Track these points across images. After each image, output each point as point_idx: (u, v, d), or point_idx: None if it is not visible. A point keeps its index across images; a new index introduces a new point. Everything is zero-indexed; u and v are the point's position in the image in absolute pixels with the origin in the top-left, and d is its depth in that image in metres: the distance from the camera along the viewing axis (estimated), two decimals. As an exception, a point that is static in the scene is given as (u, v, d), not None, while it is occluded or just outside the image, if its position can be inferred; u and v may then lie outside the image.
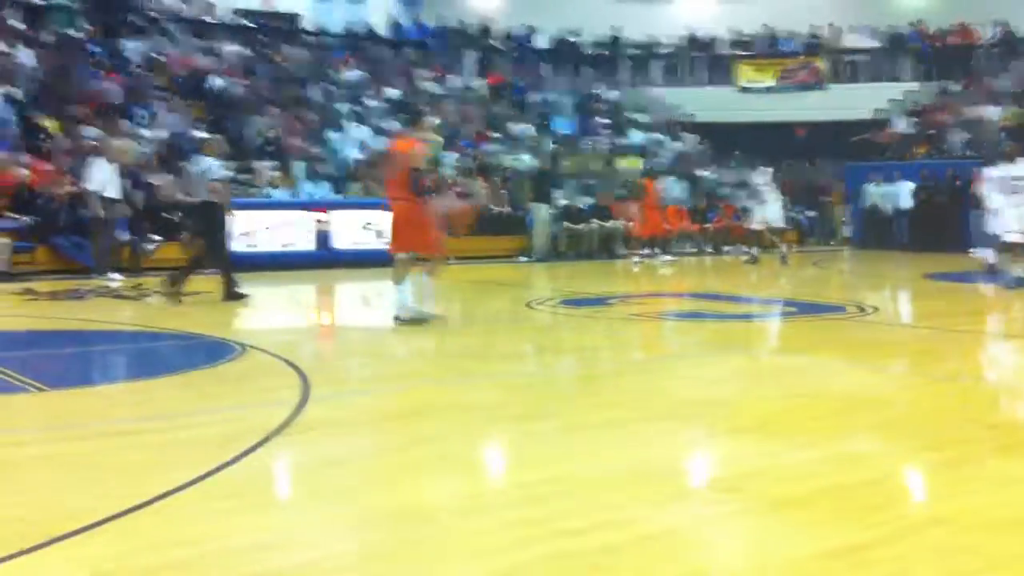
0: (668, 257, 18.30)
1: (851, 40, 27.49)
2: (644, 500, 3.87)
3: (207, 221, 11.08)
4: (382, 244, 12.05)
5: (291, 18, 24.78)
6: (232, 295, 10.92)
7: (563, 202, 19.39)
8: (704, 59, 28.17)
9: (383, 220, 12.16)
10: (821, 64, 27.19)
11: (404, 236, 8.83)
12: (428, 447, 4.80)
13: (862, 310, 11.11)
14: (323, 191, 17.74)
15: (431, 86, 23.50)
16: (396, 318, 9.01)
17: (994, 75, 25.15)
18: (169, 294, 10.70)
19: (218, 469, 4.18)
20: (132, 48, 19.95)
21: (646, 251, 18.30)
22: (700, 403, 5.90)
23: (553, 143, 22.16)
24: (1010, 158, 13.01)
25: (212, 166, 11.21)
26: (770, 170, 17.41)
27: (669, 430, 5.18)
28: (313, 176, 17.96)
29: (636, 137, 23.89)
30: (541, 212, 18.43)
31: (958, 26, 26.60)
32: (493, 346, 8.62)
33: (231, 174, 11.72)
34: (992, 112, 22.77)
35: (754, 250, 17.30)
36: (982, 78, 25.09)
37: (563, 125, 23.57)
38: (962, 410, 5.87)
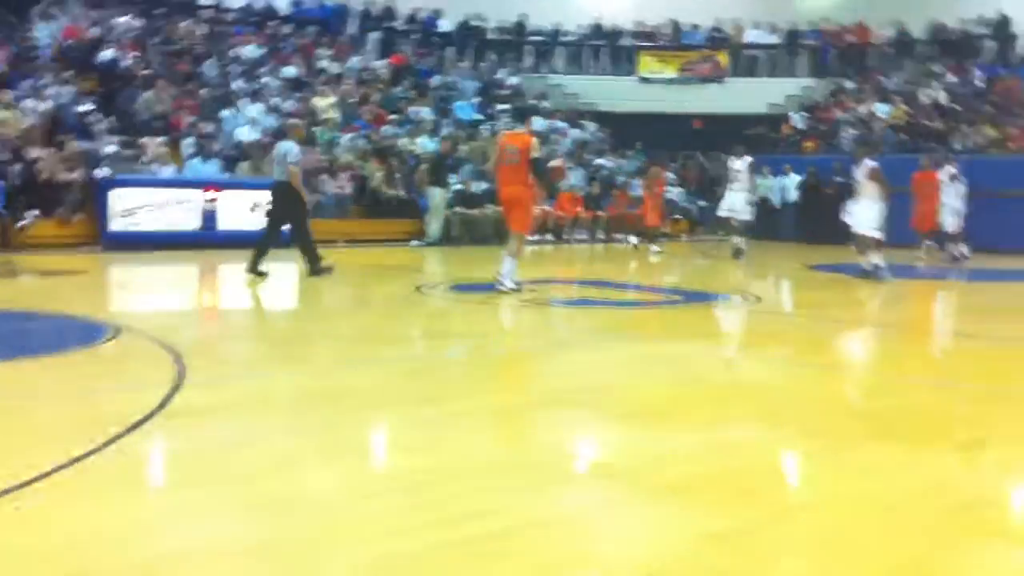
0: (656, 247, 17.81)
1: (753, 35, 27.90)
2: (530, 487, 3.89)
3: (286, 203, 11.58)
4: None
5: (189, -8, 24.09)
6: (317, 270, 11.55)
7: (458, 186, 19.26)
8: (608, 49, 28.27)
9: (265, 199, 12.49)
10: (723, 58, 27.54)
11: (527, 217, 10.85)
12: (311, 433, 4.72)
13: (746, 299, 11.32)
14: (212, 169, 17.27)
15: (330, 65, 23.09)
16: (500, 284, 10.34)
17: (887, 74, 25.80)
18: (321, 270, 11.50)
19: (88, 454, 4.01)
20: (20, 18, 19.15)
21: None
22: (587, 390, 5.94)
23: (453, 127, 22.00)
24: (857, 159, 13.43)
25: (292, 150, 11.61)
26: (749, 158, 16.80)
27: (556, 417, 5.21)
28: (202, 154, 17.47)
29: (537, 124, 23.82)
30: (436, 197, 18.28)
31: (857, 25, 27.21)
32: (381, 330, 8.53)
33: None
34: (881, 109, 23.35)
35: (738, 240, 16.62)
36: (875, 76, 25.71)
37: (464, 110, 23.40)
38: (838, 398, 6.08)
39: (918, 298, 12.97)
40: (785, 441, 4.84)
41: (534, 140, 10.81)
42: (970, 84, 23.72)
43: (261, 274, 11.42)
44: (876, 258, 12.66)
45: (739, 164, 16.57)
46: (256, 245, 11.63)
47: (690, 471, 4.15)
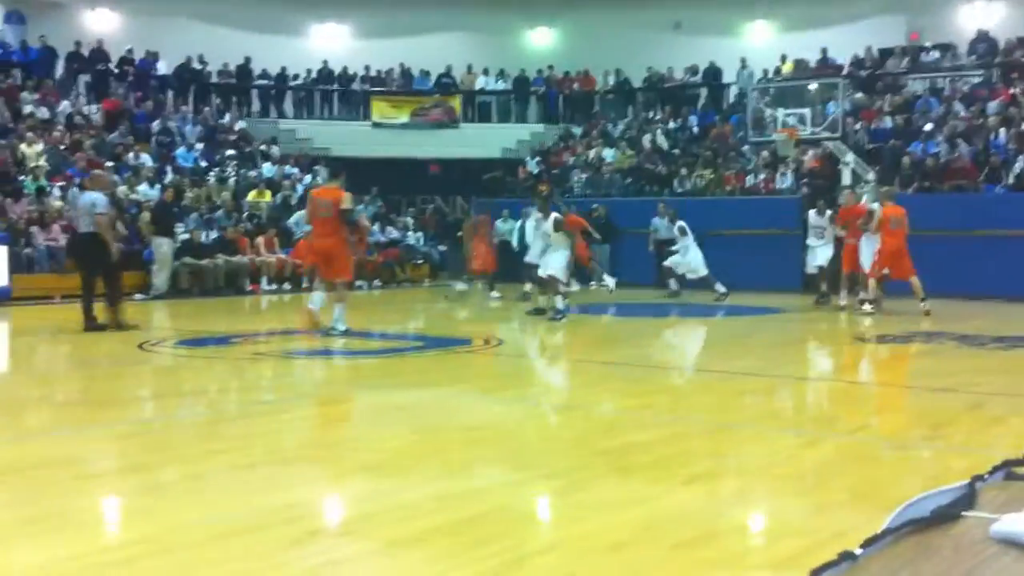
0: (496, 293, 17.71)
1: (483, 82, 28.29)
2: (264, 548, 3.73)
3: (97, 253, 11.53)
4: None
5: None
6: (121, 324, 11.66)
7: (185, 236, 18.18)
8: (339, 94, 27.85)
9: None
10: (455, 103, 27.72)
11: (347, 264, 11.77)
12: (12, 506, 4.29)
13: (488, 342, 11.21)
14: None
15: (37, 110, 21.36)
16: (333, 330, 11.16)
17: (611, 120, 26.76)
18: (125, 325, 11.60)
19: None
20: None
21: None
22: (325, 444, 5.84)
23: (175, 174, 20.83)
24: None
25: (100, 200, 11.64)
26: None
27: (290, 474, 5.03)
28: None
29: (267, 170, 23.02)
30: (162, 247, 17.17)
31: (581, 73, 28.11)
32: (98, 392, 7.90)
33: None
34: (608, 154, 24.12)
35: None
36: (601, 122, 26.60)
37: (187, 156, 22.24)
38: (577, 437, 6.09)
39: (651, 335, 13.35)
40: (524, 484, 4.85)
41: (346, 194, 11.54)
42: (687, 130, 24.94)
43: (102, 327, 11.55)
44: (559, 301, 13.22)
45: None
46: (82, 301, 11.70)
47: (427, 522, 4.07)
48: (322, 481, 4.95)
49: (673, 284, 17.69)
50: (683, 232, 17.35)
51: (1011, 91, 21.01)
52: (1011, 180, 18.05)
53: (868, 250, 14.41)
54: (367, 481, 4.87)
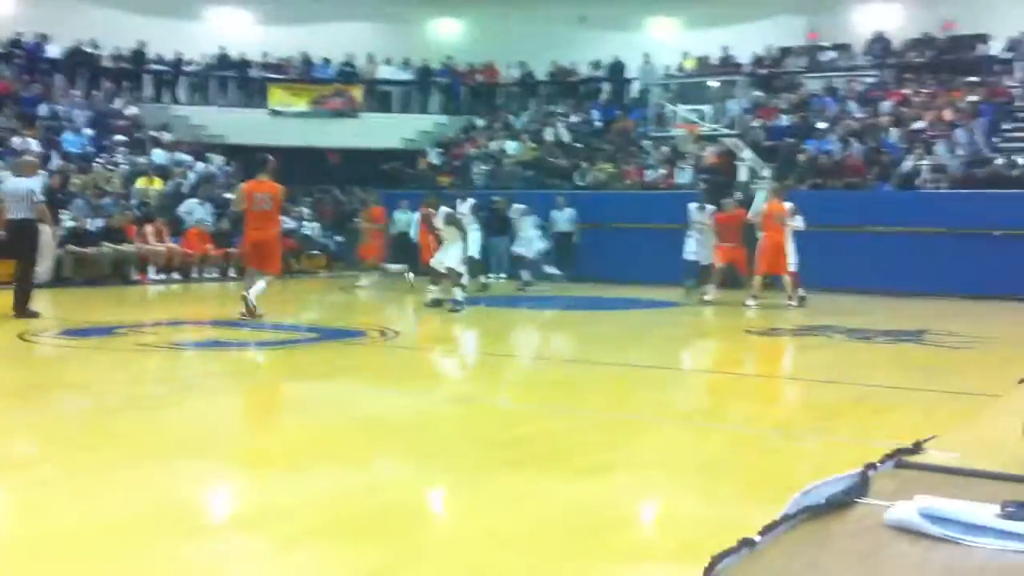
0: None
1: (385, 71, 27.97)
2: (152, 544, 3.61)
3: (30, 240, 11.77)
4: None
5: None
6: (28, 312, 11.50)
7: (70, 223, 17.52)
8: (236, 80, 27.22)
9: None
10: (356, 92, 27.36)
11: (278, 259, 12.27)
12: None
13: (384, 334, 11.07)
14: None
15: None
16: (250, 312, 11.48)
17: (514, 112, 26.73)
18: (29, 314, 11.40)
19: None
20: None
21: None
22: (215, 438, 5.66)
23: (62, 159, 20.07)
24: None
25: (36, 187, 11.92)
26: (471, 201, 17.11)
27: (185, 467, 4.89)
28: None
29: (158, 156, 22.35)
30: (45, 234, 16.45)
31: (485, 65, 28.01)
32: None
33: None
34: (510, 146, 24.07)
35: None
36: (504, 115, 26.54)
37: (74, 142, 21.46)
38: (474, 430, 6.04)
39: (540, 327, 13.37)
40: (423, 477, 4.81)
41: (282, 188, 12.00)
42: (589, 124, 25.05)
43: (35, 314, 11.49)
44: (458, 292, 13.33)
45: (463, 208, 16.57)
46: (17, 289, 11.65)
47: (329, 515, 4.01)
48: (212, 476, 4.81)
49: (525, 275, 17.78)
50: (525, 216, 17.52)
51: (903, 91, 21.62)
52: (900, 178, 18.54)
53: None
54: (259, 476, 4.77)
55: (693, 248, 16.46)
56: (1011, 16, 22.80)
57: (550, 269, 17.62)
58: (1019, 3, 23.21)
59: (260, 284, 11.76)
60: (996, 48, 22.59)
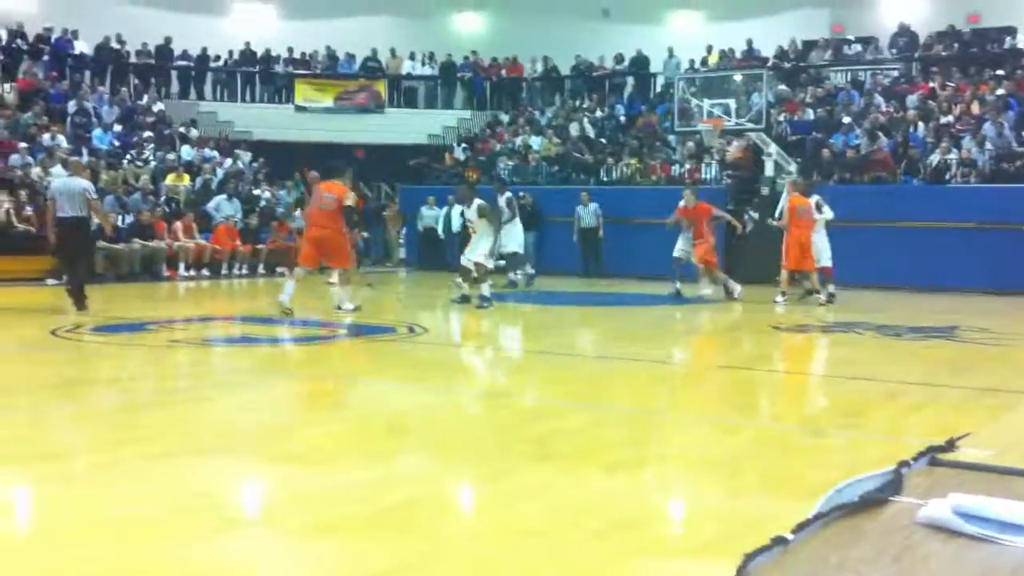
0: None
1: (409, 66, 28.01)
2: (179, 537, 3.65)
3: (85, 237, 12.61)
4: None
5: None
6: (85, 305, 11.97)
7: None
8: (261, 76, 27.35)
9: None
10: (381, 88, 27.42)
11: (346, 252, 12.62)
12: None
13: (412, 331, 11.10)
14: None
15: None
16: (341, 309, 12.24)
17: (538, 108, 26.70)
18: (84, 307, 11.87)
19: None
20: None
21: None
22: (248, 432, 5.67)
23: (91, 156, 20.23)
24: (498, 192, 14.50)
25: (90, 186, 12.51)
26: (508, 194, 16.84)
27: (210, 462, 4.93)
28: None
29: (186, 153, 22.49)
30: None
31: (509, 60, 27.99)
32: (11, 379, 7.64)
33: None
34: (535, 142, 24.05)
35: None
36: (528, 110, 26.52)
37: (103, 138, 21.62)
38: (500, 424, 6.08)
39: (567, 323, 13.35)
40: (448, 472, 4.81)
41: (349, 192, 12.35)
42: (614, 119, 24.99)
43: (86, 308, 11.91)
44: (485, 288, 13.19)
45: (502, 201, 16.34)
46: (74, 284, 12.15)
47: (353, 510, 4.02)
48: (240, 470, 4.82)
49: (528, 269, 17.61)
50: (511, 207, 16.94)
51: (930, 85, 21.43)
52: (928, 173, 18.39)
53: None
54: (286, 470, 4.76)
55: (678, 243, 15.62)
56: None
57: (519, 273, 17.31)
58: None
59: (289, 286, 12.08)
60: (1023, 41, 22.36)
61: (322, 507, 4.06)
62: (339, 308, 12.29)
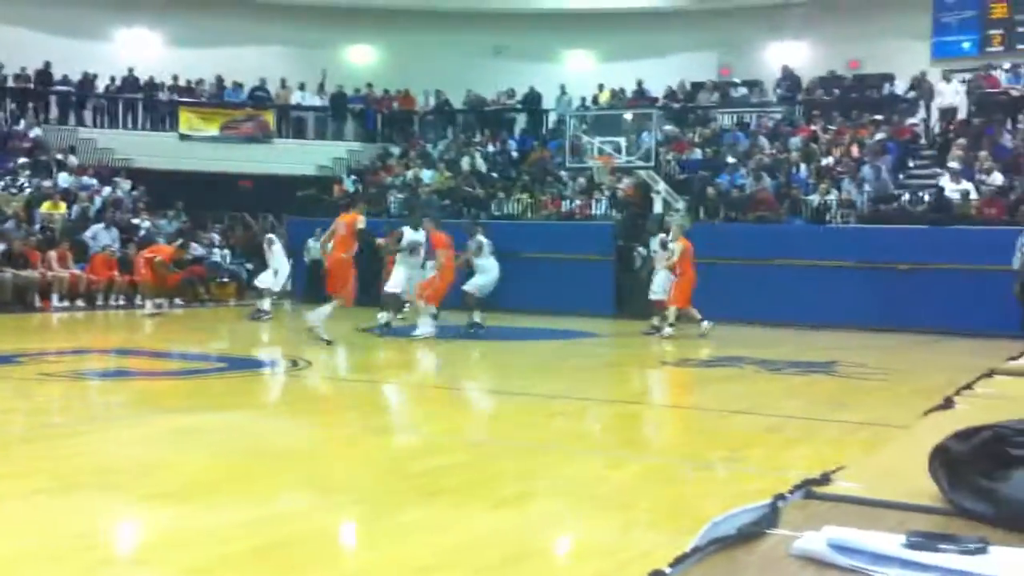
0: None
1: (299, 97, 27.73)
2: None
3: None
4: None
5: None
6: None
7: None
8: (145, 103, 26.71)
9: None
10: (269, 118, 27.06)
11: (338, 281, 12.46)
12: None
13: (296, 364, 10.89)
14: None
15: None
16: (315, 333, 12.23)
17: (431, 141, 26.69)
18: None
19: None
20: None
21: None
22: (120, 470, 5.45)
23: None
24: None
25: None
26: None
27: (84, 501, 4.75)
28: None
29: (63, 180, 21.77)
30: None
31: (402, 92, 27.94)
32: None
33: None
34: (426, 175, 24.01)
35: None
36: (419, 143, 26.48)
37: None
38: (387, 461, 5.99)
39: (457, 357, 13.20)
40: (331, 509, 4.72)
41: (360, 218, 12.79)
42: (506, 154, 25.14)
43: None
44: (477, 316, 14.10)
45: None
46: None
47: (232, 549, 3.89)
48: (117, 508, 4.66)
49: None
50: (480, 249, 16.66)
51: (812, 128, 22.14)
52: (810, 213, 18.93)
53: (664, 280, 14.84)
54: (166, 507, 4.63)
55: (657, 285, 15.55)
56: (913, 56, 23.61)
57: None
58: (921, 44, 24.04)
59: (323, 308, 12.45)
60: (900, 88, 23.32)
61: (199, 546, 3.94)
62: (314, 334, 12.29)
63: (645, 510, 4.76)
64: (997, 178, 18.14)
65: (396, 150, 26.59)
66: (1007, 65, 22.28)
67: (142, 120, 26.77)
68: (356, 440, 6.80)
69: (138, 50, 27.32)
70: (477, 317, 14.18)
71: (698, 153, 22.09)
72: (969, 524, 2.11)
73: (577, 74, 27.46)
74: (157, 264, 17.18)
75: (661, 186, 19.13)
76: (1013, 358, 6.13)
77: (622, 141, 19.36)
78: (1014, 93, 21.54)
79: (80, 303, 17.99)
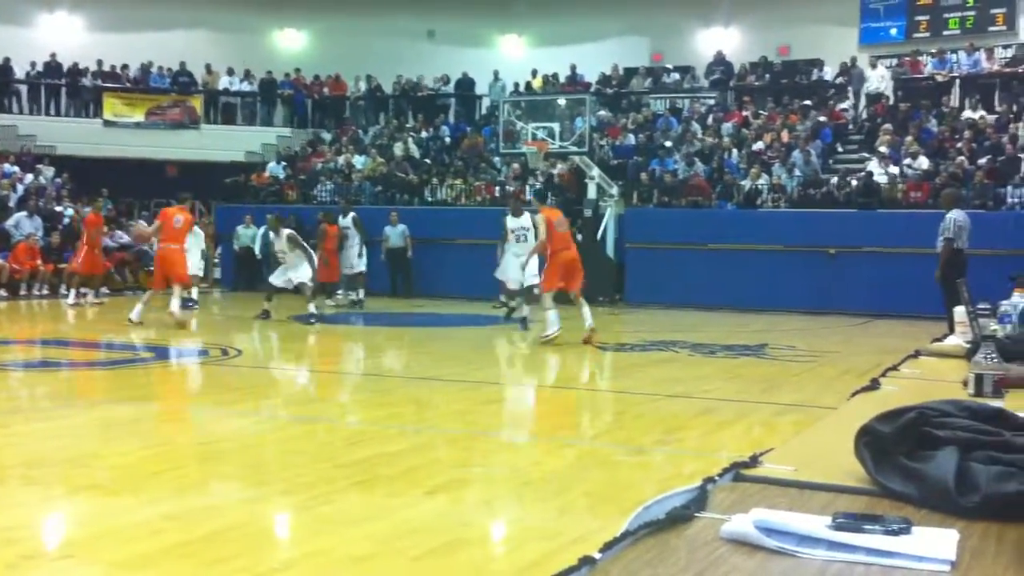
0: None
1: (227, 82, 27.29)
2: None
3: None
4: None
5: None
6: None
7: None
8: (67, 89, 26.09)
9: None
10: (196, 103, 26.60)
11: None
12: None
13: (226, 352, 10.75)
14: None
15: None
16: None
17: (362, 127, 26.47)
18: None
19: None
20: None
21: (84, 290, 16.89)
22: (47, 462, 5.32)
23: None
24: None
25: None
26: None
27: (8, 494, 4.65)
28: None
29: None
30: None
31: (332, 78, 27.65)
32: None
33: None
34: (358, 161, 23.82)
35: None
36: (351, 128, 26.24)
37: None
38: (319, 451, 5.89)
39: (388, 344, 13.19)
40: (262, 500, 4.66)
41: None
42: (439, 140, 25.02)
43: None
44: (312, 307, 14.10)
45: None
46: None
47: (157, 543, 3.81)
48: (41, 501, 4.56)
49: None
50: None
51: (743, 113, 22.37)
52: (741, 198, 19.15)
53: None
54: (91, 500, 4.55)
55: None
56: (842, 42, 23.95)
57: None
58: (849, 30, 24.40)
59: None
60: (829, 74, 23.67)
61: (128, 540, 3.86)
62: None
63: (580, 494, 4.77)
64: (923, 162, 18.52)
65: (327, 136, 26.33)
66: (933, 50, 22.73)
67: (65, 107, 26.18)
68: (288, 429, 6.72)
69: (60, 35, 26.68)
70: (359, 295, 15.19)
71: (632, 139, 22.20)
72: (894, 504, 2.15)
73: (510, 59, 27.43)
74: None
75: (595, 171, 19.20)
76: (938, 339, 6.28)
77: (556, 127, 19.38)
78: (939, 79, 22.00)
79: (2, 292, 17.58)
